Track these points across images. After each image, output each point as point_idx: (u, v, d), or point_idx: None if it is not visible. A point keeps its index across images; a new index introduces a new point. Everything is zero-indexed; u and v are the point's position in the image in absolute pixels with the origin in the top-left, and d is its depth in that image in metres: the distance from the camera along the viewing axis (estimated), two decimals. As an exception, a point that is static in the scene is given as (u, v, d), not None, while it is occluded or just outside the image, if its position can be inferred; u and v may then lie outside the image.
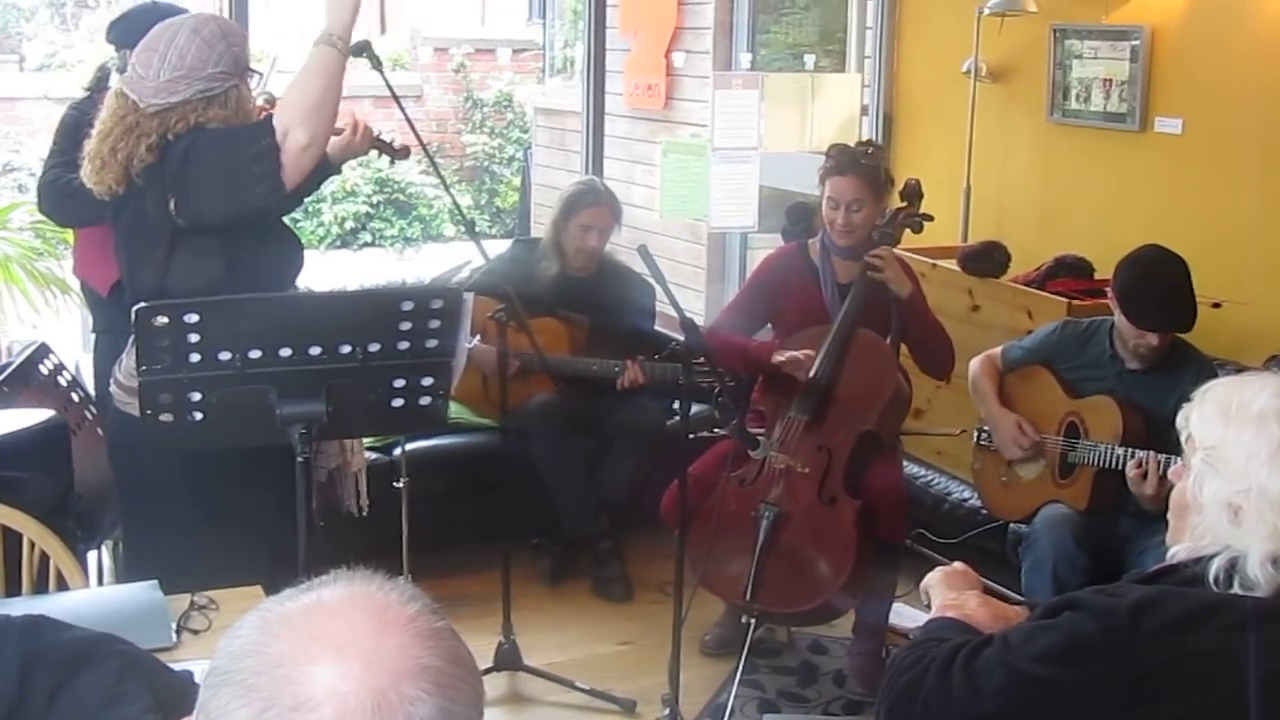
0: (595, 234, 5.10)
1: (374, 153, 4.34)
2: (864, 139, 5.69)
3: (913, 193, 4.53)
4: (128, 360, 3.20)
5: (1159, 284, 4.01)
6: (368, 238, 12.41)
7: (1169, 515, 2.07)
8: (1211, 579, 1.86)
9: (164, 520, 3.22)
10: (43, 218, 6.07)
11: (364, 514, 3.75)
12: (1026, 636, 1.91)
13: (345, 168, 4.33)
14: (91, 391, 4.27)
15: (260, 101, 3.93)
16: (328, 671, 1.10)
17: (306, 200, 4.22)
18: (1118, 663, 1.84)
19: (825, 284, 4.49)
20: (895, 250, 4.44)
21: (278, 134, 3.07)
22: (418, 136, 3.92)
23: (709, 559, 4.22)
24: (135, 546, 3.50)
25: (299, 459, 2.82)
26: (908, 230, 4.53)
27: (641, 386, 4.85)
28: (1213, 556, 1.88)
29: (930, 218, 4.54)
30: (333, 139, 4.12)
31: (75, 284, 6.04)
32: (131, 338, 3.06)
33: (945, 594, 2.22)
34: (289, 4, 11.79)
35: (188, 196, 3.10)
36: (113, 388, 3.32)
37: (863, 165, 4.38)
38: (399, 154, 4.41)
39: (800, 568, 4.16)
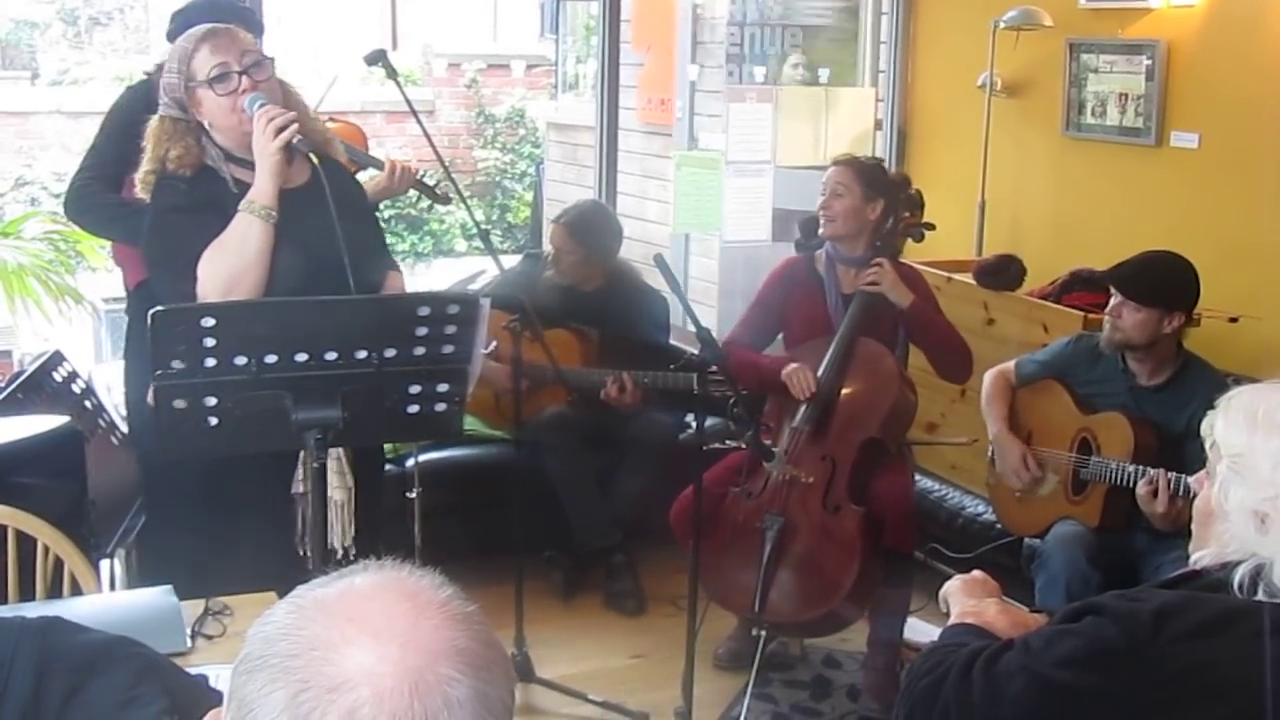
0: (562, 255, 5.16)
1: (413, 194, 4.29)
2: (873, 156, 5.70)
3: (912, 202, 4.53)
4: None
5: (1143, 256, 4.06)
6: (379, 253, 12.40)
7: (1193, 524, 2.05)
8: (1236, 586, 1.84)
9: (185, 521, 3.24)
10: (56, 229, 6.09)
11: (345, 552, 3.37)
12: (1048, 641, 1.89)
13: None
14: (106, 397, 4.26)
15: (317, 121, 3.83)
16: (365, 653, 1.11)
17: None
18: (1140, 668, 1.82)
19: (830, 294, 4.48)
20: (912, 263, 4.42)
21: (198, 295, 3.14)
22: (435, 150, 3.91)
23: (717, 573, 4.21)
24: (153, 549, 3.49)
25: (314, 465, 2.81)
26: (910, 240, 4.54)
27: (626, 402, 4.87)
28: (1239, 563, 1.86)
29: (931, 226, 4.53)
30: (371, 179, 4.08)
31: (88, 293, 6.04)
32: None
33: (964, 601, 2.21)
34: (301, 17, 11.83)
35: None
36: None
37: (857, 161, 4.45)
38: (440, 198, 4.34)
39: (805, 576, 4.15)
